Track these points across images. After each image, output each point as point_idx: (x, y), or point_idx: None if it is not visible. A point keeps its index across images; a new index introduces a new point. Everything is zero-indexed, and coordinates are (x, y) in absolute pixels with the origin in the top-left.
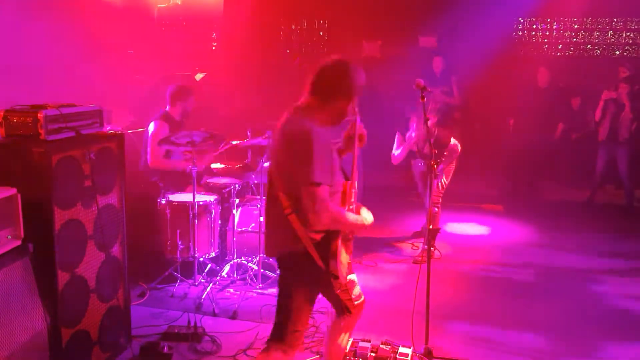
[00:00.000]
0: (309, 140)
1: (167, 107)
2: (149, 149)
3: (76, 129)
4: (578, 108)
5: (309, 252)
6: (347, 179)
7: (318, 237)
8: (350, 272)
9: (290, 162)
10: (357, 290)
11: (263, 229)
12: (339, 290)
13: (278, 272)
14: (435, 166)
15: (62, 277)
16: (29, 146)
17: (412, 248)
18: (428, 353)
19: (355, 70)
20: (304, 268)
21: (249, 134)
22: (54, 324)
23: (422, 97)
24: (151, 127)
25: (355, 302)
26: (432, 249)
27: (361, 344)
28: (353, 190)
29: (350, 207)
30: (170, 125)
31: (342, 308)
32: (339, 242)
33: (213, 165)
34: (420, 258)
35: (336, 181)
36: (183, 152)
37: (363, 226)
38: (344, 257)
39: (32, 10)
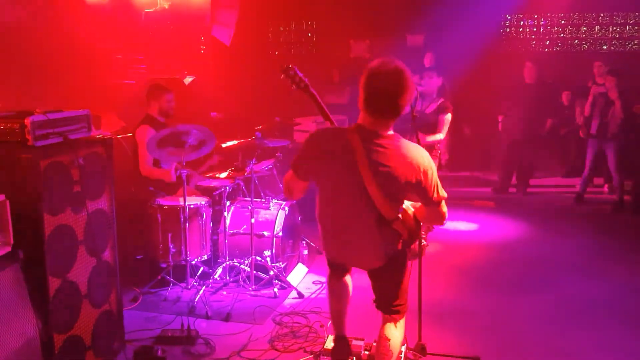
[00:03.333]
0: (430, 161)
1: (147, 108)
2: (139, 154)
3: (64, 134)
4: (566, 103)
5: (405, 244)
6: None
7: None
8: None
9: (421, 183)
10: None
11: (255, 230)
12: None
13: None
14: None
15: (53, 283)
16: (17, 152)
17: None
18: (421, 349)
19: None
20: (404, 259)
21: (258, 135)
22: (45, 330)
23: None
24: (137, 132)
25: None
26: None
27: (355, 342)
28: None
29: None
30: (155, 127)
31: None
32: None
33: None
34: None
35: None
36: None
37: None
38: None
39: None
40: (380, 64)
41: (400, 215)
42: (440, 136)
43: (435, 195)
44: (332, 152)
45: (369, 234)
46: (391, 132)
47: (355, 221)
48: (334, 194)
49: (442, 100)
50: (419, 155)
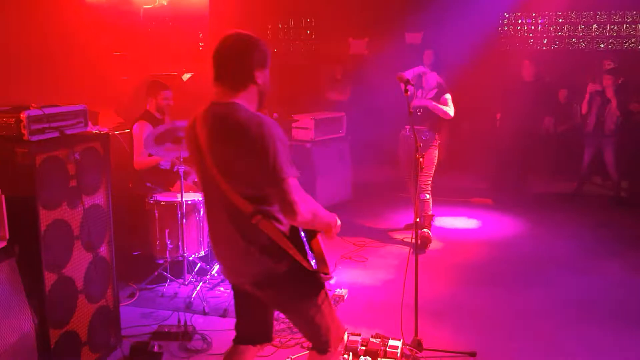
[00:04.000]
0: (265, 130)
1: (146, 105)
2: (134, 149)
3: (60, 129)
4: (564, 101)
5: (293, 257)
6: None
7: (290, 235)
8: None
9: (250, 160)
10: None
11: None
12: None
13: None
14: (421, 159)
15: (49, 278)
16: (12, 147)
17: (403, 240)
18: (418, 345)
19: (257, 38)
20: (296, 278)
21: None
22: (41, 325)
23: (406, 91)
24: (135, 128)
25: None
26: (427, 230)
27: (351, 337)
28: None
29: None
30: (153, 123)
31: (262, 336)
32: (319, 238)
33: None
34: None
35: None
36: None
37: (335, 224)
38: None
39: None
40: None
41: (268, 209)
42: (449, 109)
43: (276, 173)
44: (187, 141)
45: (229, 236)
46: (236, 100)
47: (216, 222)
48: (203, 191)
49: (440, 85)
50: (256, 123)
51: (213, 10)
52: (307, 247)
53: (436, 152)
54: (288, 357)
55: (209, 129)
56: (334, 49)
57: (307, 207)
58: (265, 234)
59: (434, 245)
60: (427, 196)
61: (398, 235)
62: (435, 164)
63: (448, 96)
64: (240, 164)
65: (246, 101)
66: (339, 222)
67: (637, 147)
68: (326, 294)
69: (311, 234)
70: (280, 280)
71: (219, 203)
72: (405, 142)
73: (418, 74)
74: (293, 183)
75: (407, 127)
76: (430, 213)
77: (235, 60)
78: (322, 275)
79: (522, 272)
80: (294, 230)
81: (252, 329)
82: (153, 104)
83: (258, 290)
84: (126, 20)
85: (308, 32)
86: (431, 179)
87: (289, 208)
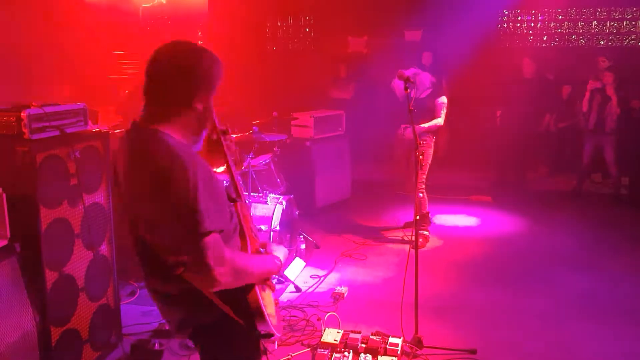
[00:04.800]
0: (182, 171)
1: None
2: None
3: (60, 127)
4: (567, 97)
5: (224, 313)
6: (232, 200)
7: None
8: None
9: (162, 209)
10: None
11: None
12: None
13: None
14: (420, 157)
15: (50, 276)
16: (13, 145)
17: (402, 238)
18: (418, 342)
19: (203, 55)
20: (228, 336)
21: (255, 129)
22: (43, 323)
23: (406, 88)
24: None
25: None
26: (425, 232)
27: (351, 335)
28: (248, 215)
29: (253, 234)
30: None
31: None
32: (257, 291)
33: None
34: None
35: (225, 215)
36: None
37: (277, 267)
38: (270, 305)
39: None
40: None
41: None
42: (439, 121)
43: (188, 228)
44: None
45: (148, 279)
46: (159, 127)
47: (135, 254)
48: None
49: (434, 84)
50: (169, 160)
51: (212, 8)
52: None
53: (431, 150)
54: (288, 355)
55: (125, 159)
56: (333, 47)
57: (227, 270)
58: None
59: (434, 242)
60: (421, 195)
61: (397, 233)
62: (430, 162)
63: (443, 100)
64: (150, 209)
65: (178, 128)
66: (280, 261)
67: (637, 145)
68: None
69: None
70: (205, 333)
71: (138, 244)
72: (402, 141)
73: (412, 74)
74: (211, 241)
75: (403, 125)
76: (426, 211)
77: (168, 80)
78: (261, 334)
79: (522, 269)
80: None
81: None
82: None
83: (186, 337)
84: (125, 19)
85: (307, 30)
86: (425, 176)
87: (203, 273)
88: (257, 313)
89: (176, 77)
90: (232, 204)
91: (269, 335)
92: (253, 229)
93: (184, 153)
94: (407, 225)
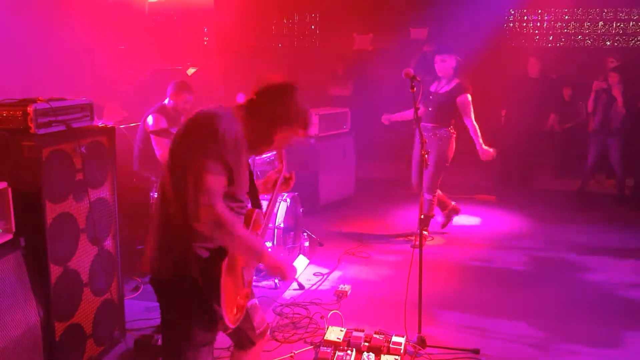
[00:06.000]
0: (215, 122)
1: (166, 100)
2: (154, 143)
3: (66, 122)
4: (569, 98)
5: (194, 272)
6: (256, 206)
7: (205, 254)
8: (252, 297)
9: (186, 148)
10: (260, 315)
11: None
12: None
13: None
14: (426, 156)
15: (55, 271)
16: (19, 140)
17: (406, 239)
18: (421, 342)
19: (301, 104)
20: (189, 298)
21: None
22: (47, 318)
23: (412, 87)
24: (150, 120)
25: (257, 332)
26: (425, 233)
27: (354, 333)
28: (260, 223)
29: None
30: (167, 118)
31: (244, 340)
32: (223, 268)
33: None
34: (416, 242)
35: (240, 193)
36: None
37: (264, 250)
38: (229, 292)
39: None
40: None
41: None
42: (476, 125)
43: (191, 192)
44: None
45: (154, 227)
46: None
47: (153, 216)
48: None
49: (457, 81)
50: (196, 122)
51: (218, 4)
52: (221, 279)
53: (451, 149)
54: (291, 352)
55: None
56: (338, 45)
57: (212, 214)
58: (181, 240)
59: (438, 241)
60: (431, 197)
61: (401, 232)
62: (449, 162)
63: (467, 98)
64: (179, 148)
65: (250, 124)
66: (283, 265)
67: None
68: (207, 344)
69: (231, 266)
70: (163, 287)
71: (159, 197)
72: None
73: (440, 60)
74: (208, 180)
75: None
76: (432, 213)
77: (275, 99)
78: (214, 309)
79: (526, 269)
80: (218, 255)
81: (232, 337)
82: (172, 102)
83: (154, 289)
84: (131, 14)
85: (312, 27)
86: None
87: (191, 207)
88: (214, 287)
89: (279, 100)
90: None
91: (220, 316)
92: (260, 234)
93: (229, 126)
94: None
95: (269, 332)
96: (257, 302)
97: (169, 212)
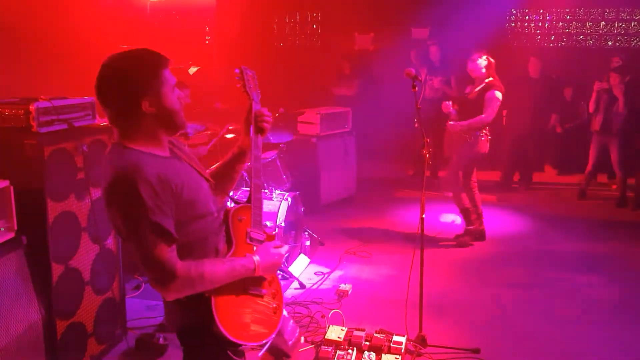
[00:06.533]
0: (130, 183)
1: None
2: None
3: (68, 121)
4: (570, 98)
5: (192, 321)
6: (235, 201)
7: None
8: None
9: (119, 220)
10: (290, 325)
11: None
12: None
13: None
14: (427, 155)
15: (56, 269)
16: (21, 138)
17: (406, 236)
18: (422, 341)
19: (132, 57)
20: (197, 344)
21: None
22: (48, 316)
23: (414, 87)
24: None
25: (290, 343)
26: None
27: (355, 332)
28: (247, 217)
29: (247, 240)
30: None
31: (280, 355)
32: (212, 306)
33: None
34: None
35: (202, 206)
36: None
37: (247, 269)
38: (247, 314)
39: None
40: None
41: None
42: (482, 117)
43: (136, 242)
44: None
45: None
46: (122, 141)
47: None
48: None
49: (489, 81)
50: (113, 171)
51: (220, 3)
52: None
53: (476, 149)
54: None
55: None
56: (340, 44)
57: (177, 283)
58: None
59: (438, 241)
60: (455, 193)
61: (402, 231)
62: (474, 161)
63: (495, 95)
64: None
65: (141, 136)
66: (255, 262)
67: None
68: None
69: (225, 295)
70: (182, 337)
71: None
72: (450, 138)
73: (473, 59)
74: (160, 253)
75: (449, 122)
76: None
77: (109, 95)
78: (227, 345)
79: (526, 269)
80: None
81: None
82: None
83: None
84: (133, 13)
85: (314, 26)
86: (470, 177)
87: (153, 284)
88: (215, 328)
89: (114, 89)
90: (223, 208)
91: (237, 345)
92: (251, 234)
93: (125, 164)
94: (457, 238)
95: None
96: (286, 313)
97: None
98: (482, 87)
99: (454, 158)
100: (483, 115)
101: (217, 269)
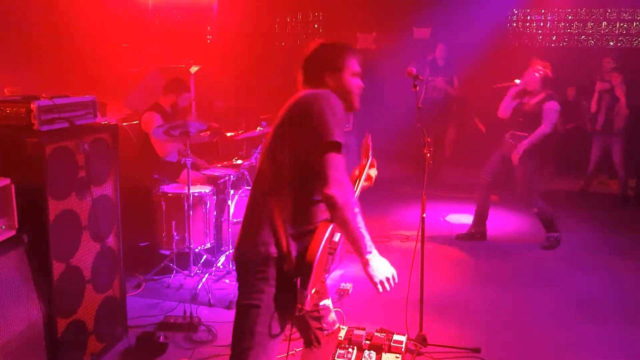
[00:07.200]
0: (319, 99)
1: (160, 97)
2: (152, 140)
3: (70, 119)
4: (572, 98)
5: (285, 251)
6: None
7: (302, 237)
8: (326, 297)
9: (297, 129)
10: (331, 317)
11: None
12: (306, 316)
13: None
14: (428, 155)
15: (57, 268)
16: (22, 136)
17: (407, 237)
18: (422, 340)
19: (347, 48)
20: (275, 280)
21: (264, 124)
22: (49, 314)
23: (415, 86)
24: (144, 119)
25: (326, 332)
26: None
27: (356, 331)
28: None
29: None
30: (162, 115)
31: (311, 339)
32: (320, 252)
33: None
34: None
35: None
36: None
37: (370, 258)
38: (317, 276)
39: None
40: None
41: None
42: (542, 129)
43: (322, 136)
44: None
45: (247, 209)
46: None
47: (248, 201)
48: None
49: (547, 92)
50: (311, 94)
51: (221, 3)
52: (314, 266)
53: (535, 158)
54: (292, 350)
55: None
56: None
57: (346, 189)
58: (272, 216)
59: (439, 240)
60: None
61: (403, 231)
62: (533, 177)
63: (552, 107)
64: (289, 132)
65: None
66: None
67: None
68: (281, 332)
69: (324, 252)
70: (252, 270)
71: (256, 178)
72: (506, 147)
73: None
74: (334, 158)
75: (509, 133)
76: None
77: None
78: (298, 304)
79: (527, 269)
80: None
81: (301, 333)
82: (170, 100)
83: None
84: (135, 12)
85: (316, 26)
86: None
87: (321, 183)
88: (306, 271)
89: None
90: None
91: (301, 301)
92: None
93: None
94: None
95: (340, 335)
96: (330, 303)
97: (264, 191)
98: (542, 99)
99: (519, 175)
100: (542, 127)
101: (361, 223)
